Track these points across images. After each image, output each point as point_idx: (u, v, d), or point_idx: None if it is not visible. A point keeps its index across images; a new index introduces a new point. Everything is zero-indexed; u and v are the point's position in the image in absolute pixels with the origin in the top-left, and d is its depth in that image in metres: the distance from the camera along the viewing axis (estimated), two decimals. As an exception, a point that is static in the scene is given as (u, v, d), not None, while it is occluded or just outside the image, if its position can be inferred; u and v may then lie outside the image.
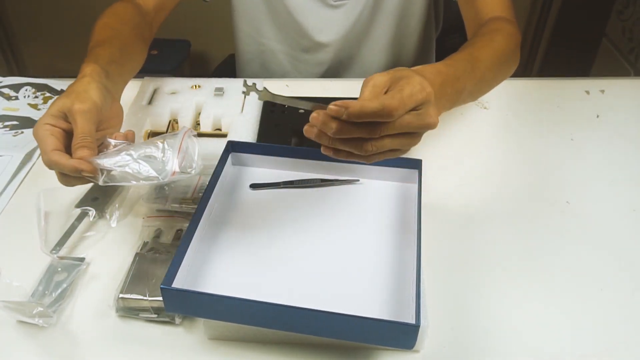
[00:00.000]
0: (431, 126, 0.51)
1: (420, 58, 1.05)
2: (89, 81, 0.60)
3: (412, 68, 0.54)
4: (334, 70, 1.03)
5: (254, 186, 0.67)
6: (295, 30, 0.98)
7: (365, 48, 1.00)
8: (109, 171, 0.54)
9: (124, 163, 0.55)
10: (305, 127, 0.51)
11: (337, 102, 0.47)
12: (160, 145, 0.57)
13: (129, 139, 0.59)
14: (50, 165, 0.55)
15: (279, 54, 1.03)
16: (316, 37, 0.98)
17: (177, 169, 0.55)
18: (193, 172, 0.56)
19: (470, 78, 0.62)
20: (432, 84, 0.52)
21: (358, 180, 0.67)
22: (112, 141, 0.58)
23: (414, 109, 0.50)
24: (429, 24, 1.02)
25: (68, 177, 0.56)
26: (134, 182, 0.55)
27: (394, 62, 1.03)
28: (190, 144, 0.58)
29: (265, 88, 0.54)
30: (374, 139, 0.49)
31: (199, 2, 1.08)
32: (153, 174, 0.55)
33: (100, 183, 0.54)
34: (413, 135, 0.51)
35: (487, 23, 0.75)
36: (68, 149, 0.56)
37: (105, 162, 0.54)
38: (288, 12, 0.95)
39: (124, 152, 0.56)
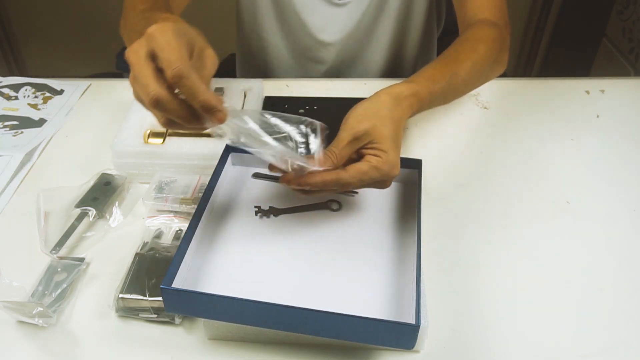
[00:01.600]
0: (384, 187, 0.59)
1: (421, 57, 1.05)
2: (176, 18, 0.52)
3: (395, 94, 0.60)
4: (337, 69, 1.03)
5: (257, 175, 0.68)
6: (298, 28, 0.98)
7: (368, 47, 1.01)
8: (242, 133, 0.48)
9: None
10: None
11: (296, 178, 0.54)
12: (303, 129, 0.52)
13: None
14: (180, 79, 0.43)
15: (282, 50, 1.03)
16: (319, 36, 0.98)
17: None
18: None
19: (444, 95, 0.69)
20: (404, 118, 0.59)
21: (357, 193, 0.67)
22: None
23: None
24: (431, 23, 1.02)
25: (173, 122, 0.47)
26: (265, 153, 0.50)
27: (396, 61, 1.03)
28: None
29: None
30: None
31: (199, 2, 1.08)
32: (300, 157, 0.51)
33: (228, 141, 0.48)
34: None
35: (473, 27, 0.76)
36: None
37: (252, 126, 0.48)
38: (293, 9, 0.95)
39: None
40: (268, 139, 0.50)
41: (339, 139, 0.56)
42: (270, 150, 0.50)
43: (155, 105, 0.45)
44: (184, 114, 0.46)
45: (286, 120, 0.52)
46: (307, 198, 0.60)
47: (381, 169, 0.55)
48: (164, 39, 0.44)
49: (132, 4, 0.70)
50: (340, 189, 0.55)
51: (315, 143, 0.53)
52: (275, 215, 0.63)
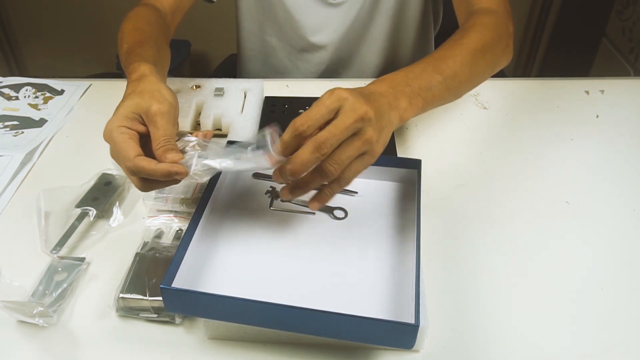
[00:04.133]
0: (368, 143, 0.51)
1: (418, 56, 1.05)
2: (155, 81, 0.58)
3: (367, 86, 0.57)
4: (333, 69, 1.03)
5: (257, 175, 0.68)
6: (293, 30, 0.99)
7: (363, 47, 1.01)
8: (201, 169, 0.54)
9: (217, 162, 0.54)
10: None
11: (277, 169, 0.52)
12: (249, 147, 0.55)
13: (208, 137, 0.58)
14: (136, 171, 0.53)
15: (280, 51, 1.03)
16: (312, 39, 0.98)
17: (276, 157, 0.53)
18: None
19: (436, 73, 0.62)
20: (378, 90, 0.55)
21: (357, 192, 0.67)
22: (195, 139, 0.57)
23: (354, 134, 0.51)
24: (426, 22, 1.02)
25: (149, 182, 0.55)
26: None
27: (392, 60, 1.03)
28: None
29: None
30: (329, 183, 0.53)
31: (199, 2, 1.08)
32: (251, 164, 0.54)
33: (197, 180, 0.54)
34: (363, 156, 0.52)
35: (469, 17, 0.74)
36: (143, 152, 0.54)
37: (209, 162, 0.53)
38: (287, 11, 0.96)
39: (211, 154, 0.55)
40: (232, 161, 0.54)
41: (308, 110, 0.52)
42: (240, 165, 0.55)
43: (144, 190, 0.57)
44: (164, 185, 0.57)
45: (244, 145, 0.56)
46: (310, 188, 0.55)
47: (357, 111, 0.50)
48: (112, 143, 0.54)
49: (121, 38, 0.71)
50: (322, 155, 0.50)
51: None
52: (283, 200, 0.63)
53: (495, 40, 0.70)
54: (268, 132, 0.53)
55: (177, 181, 0.55)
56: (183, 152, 0.55)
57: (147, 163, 0.52)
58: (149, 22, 0.74)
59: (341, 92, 0.51)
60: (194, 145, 0.56)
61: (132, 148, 0.53)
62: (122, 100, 0.57)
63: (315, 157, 0.50)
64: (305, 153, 0.50)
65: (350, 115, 0.50)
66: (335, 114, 0.51)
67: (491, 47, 0.69)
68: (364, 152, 0.52)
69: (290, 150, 0.52)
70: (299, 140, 0.51)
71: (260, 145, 0.53)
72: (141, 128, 0.55)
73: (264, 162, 0.53)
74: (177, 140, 0.56)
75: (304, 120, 0.50)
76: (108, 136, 0.54)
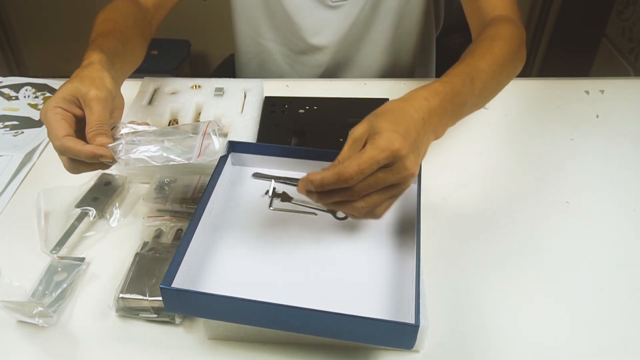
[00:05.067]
0: (409, 177, 0.51)
1: (419, 58, 1.05)
2: (100, 69, 0.59)
3: (405, 96, 0.56)
4: (332, 72, 1.03)
5: (257, 175, 0.68)
6: (292, 32, 0.98)
7: (363, 49, 1.00)
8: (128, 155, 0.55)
9: (145, 149, 0.56)
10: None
11: (303, 178, 0.52)
12: (183, 132, 0.58)
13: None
14: (62, 150, 0.54)
15: (276, 54, 1.03)
16: (311, 40, 0.98)
17: (201, 152, 0.56)
18: (216, 155, 0.58)
19: (472, 90, 0.62)
20: (423, 110, 0.54)
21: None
22: (130, 126, 0.58)
23: (386, 166, 0.50)
24: (428, 23, 1.02)
25: (77, 163, 0.56)
26: (155, 163, 0.56)
27: (393, 62, 1.03)
28: (213, 129, 0.59)
29: None
30: (357, 199, 0.51)
31: (199, 2, 1.08)
32: (177, 158, 0.56)
33: (122, 165, 0.55)
34: (396, 186, 0.52)
35: (489, 25, 0.73)
36: (77, 135, 0.55)
37: (137, 147, 0.55)
38: (285, 13, 0.95)
39: (143, 140, 0.57)
40: (159, 148, 0.57)
41: (342, 153, 0.53)
42: (166, 154, 0.57)
43: (71, 171, 0.57)
44: (90, 167, 0.57)
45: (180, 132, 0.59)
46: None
47: (390, 147, 0.49)
48: (46, 122, 0.55)
49: (93, 28, 0.71)
50: (343, 185, 0.50)
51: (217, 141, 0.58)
52: (283, 200, 0.64)
53: (516, 50, 0.71)
54: (203, 124, 0.56)
55: (104, 165, 0.56)
56: (115, 138, 0.56)
57: (74, 143, 0.53)
58: (123, 15, 0.74)
59: (397, 145, 0.50)
60: (127, 133, 0.58)
61: (62, 128, 0.54)
62: (64, 84, 0.58)
63: (339, 184, 0.50)
64: (326, 179, 0.50)
65: (383, 152, 0.50)
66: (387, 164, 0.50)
67: (514, 57, 0.70)
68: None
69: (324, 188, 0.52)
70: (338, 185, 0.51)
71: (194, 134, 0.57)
72: (78, 111, 0.56)
73: (192, 156, 0.56)
74: (113, 129, 0.58)
75: (354, 174, 0.49)
76: (43, 116, 0.55)
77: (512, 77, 0.73)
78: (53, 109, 0.55)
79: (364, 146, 0.51)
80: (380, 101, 0.86)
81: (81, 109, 0.56)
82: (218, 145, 0.58)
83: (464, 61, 0.65)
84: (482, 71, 0.64)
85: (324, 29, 0.96)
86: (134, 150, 0.56)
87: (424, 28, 1.00)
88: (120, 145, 0.55)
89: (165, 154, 0.56)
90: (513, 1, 0.78)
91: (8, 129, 0.85)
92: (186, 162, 0.56)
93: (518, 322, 0.57)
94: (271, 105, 0.86)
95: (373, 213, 0.53)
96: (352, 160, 0.49)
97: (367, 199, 0.51)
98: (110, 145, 0.54)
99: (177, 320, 0.56)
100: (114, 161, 0.55)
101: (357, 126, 0.53)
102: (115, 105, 0.60)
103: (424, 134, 0.54)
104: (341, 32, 0.96)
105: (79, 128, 0.56)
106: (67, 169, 0.57)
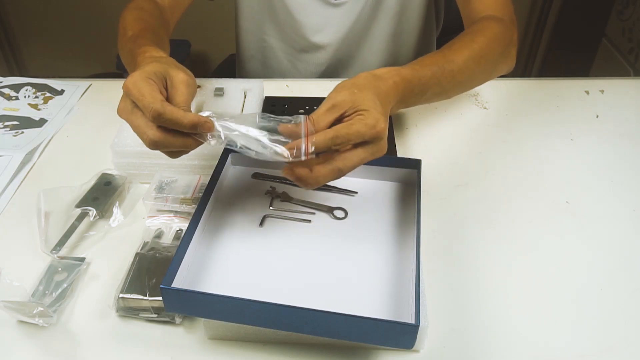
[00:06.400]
0: (380, 155, 0.54)
1: (419, 57, 1.05)
2: (176, 62, 0.57)
3: (375, 73, 0.57)
4: (333, 70, 1.03)
5: (257, 175, 0.68)
6: (294, 30, 0.98)
7: (364, 47, 1.01)
8: (229, 135, 0.51)
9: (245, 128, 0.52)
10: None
11: (290, 145, 0.51)
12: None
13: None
14: (161, 114, 0.49)
15: (278, 51, 1.03)
16: (313, 39, 0.98)
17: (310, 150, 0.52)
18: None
19: (438, 81, 0.64)
20: (391, 95, 0.56)
21: (357, 193, 0.67)
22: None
23: (364, 142, 0.52)
24: (428, 22, 1.02)
25: (166, 137, 0.51)
26: (253, 154, 0.52)
27: (393, 60, 1.03)
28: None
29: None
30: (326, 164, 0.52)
31: (199, 2, 1.08)
32: (281, 150, 0.52)
33: (217, 144, 0.52)
34: (362, 159, 0.53)
35: (476, 22, 0.74)
36: None
37: (233, 126, 0.51)
38: (288, 11, 0.96)
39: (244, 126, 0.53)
40: (257, 134, 0.53)
41: (318, 109, 0.54)
42: (257, 143, 0.53)
43: (154, 146, 0.52)
44: (180, 142, 0.52)
45: (272, 120, 0.55)
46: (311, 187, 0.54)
47: (376, 127, 0.51)
48: (137, 90, 0.51)
49: (124, 27, 0.71)
50: (333, 147, 0.51)
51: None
52: (283, 200, 0.64)
53: (499, 48, 0.72)
54: (303, 118, 0.53)
55: (189, 146, 0.52)
56: None
57: (175, 109, 0.50)
58: (151, 15, 0.74)
59: (382, 125, 0.52)
60: (209, 115, 0.53)
61: (160, 94, 0.51)
62: (145, 65, 0.54)
63: (328, 150, 0.52)
64: (319, 143, 0.51)
65: (368, 125, 0.51)
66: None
67: (494, 54, 0.71)
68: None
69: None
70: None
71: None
72: (163, 90, 0.53)
73: (281, 150, 0.52)
74: None
75: (344, 140, 0.51)
76: (132, 85, 0.51)
77: (492, 74, 0.74)
78: (145, 79, 0.51)
79: (341, 115, 0.53)
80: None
81: (165, 89, 0.54)
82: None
83: (440, 52, 0.67)
84: (455, 63, 0.66)
85: (326, 27, 0.97)
86: (233, 131, 0.52)
87: (424, 26, 1.00)
88: (215, 122, 0.51)
89: (257, 142, 0.52)
90: (506, 3, 0.78)
91: (8, 129, 0.85)
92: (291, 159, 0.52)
93: (518, 322, 0.57)
94: (271, 105, 0.86)
95: (329, 178, 0.53)
96: (341, 128, 0.51)
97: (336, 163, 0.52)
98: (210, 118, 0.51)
99: (177, 320, 0.56)
100: (209, 138, 0.51)
101: (338, 92, 0.54)
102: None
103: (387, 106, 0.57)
104: (343, 31, 0.97)
105: None
106: (150, 144, 0.51)
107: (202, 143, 0.53)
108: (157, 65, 0.54)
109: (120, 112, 0.53)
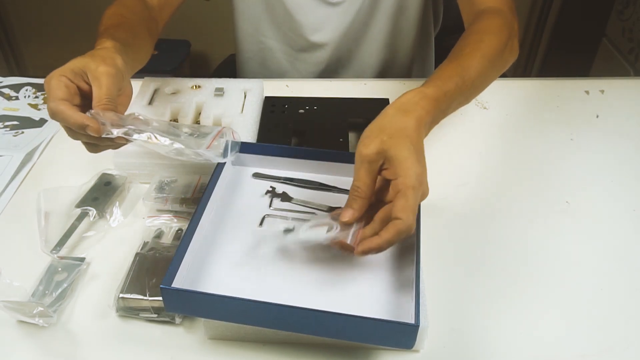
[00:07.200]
0: (425, 196, 0.54)
1: (417, 56, 1.05)
2: (113, 51, 0.59)
3: (402, 106, 0.55)
4: (332, 69, 1.03)
5: (257, 175, 0.68)
6: (292, 29, 0.99)
7: (362, 46, 1.01)
8: (125, 134, 0.55)
9: (142, 132, 0.56)
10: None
11: (362, 250, 0.50)
12: (193, 129, 0.59)
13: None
14: (54, 112, 0.53)
15: (277, 52, 1.03)
16: (312, 38, 0.98)
17: (211, 144, 0.56)
18: (223, 157, 0.59)
19: (461, 92, 0.63)
20: (421, 127, 0.55)
21: None
22: (139, 116, 0.58)
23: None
24: (426, 21, 1.02)
25: (75, 133, 0.55)
26: (153, 147, 0.56)
27: (392, 59, 1.03)
28: (228, 135, 0.61)
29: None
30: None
31: (199, 2, 1.08)
32: (179, 145, 0.56)
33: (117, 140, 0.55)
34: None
35: (478, 17, 0.73)
36: (81, 110, 0.55)
37: (124, 130, 0.55)
38: (286, 10, 0.96)
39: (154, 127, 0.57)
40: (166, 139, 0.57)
41: (357, 170, 0.53)
42: (170, 147, 0.57)
43: (52, 116, 0.55)
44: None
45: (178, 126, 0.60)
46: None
47: (414, 186, 0.50)
48: (47, 87, 0.55)
49: (101, 22, 0.71)
50: (408, 235, 0.50)
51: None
52: (283, 200, 0.64)
53: (505, 43, 0.71)
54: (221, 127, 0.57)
55: (111, 144, 0.56)
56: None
57: (66, 107, 0.53)
58: (131, 11, 0.74)
59: (421, 174, 0.52)
60: (137, 117, 0.58)
61: (62, 93, 0.54)
62: (73, 59, 0.57)
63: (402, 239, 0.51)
64: (392, 240, 0.50)
65: (417, 186, 0.51)
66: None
67: (503, 51, 0.70)
68: None
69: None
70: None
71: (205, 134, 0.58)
72: (83, 85, 0.56)
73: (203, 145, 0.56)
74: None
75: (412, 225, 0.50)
76: (47, 82, 0.55)
77: (501, 70, 0.73)
78: (58, 77, 0.55)
79: (380, 169, 0.52)
80: (380, 101, 0.86)
81: (88, 84, 0.56)
82: (227, 148, 0.60)
83: (454, 60, 0.66)
84: (472, 70, 0.64)
85: (324, 26, 0.97)
86: (142, 133, 0.55)
87: (422, 25, 1.01)
88: (125, 127, 0.55)
89: (173, 142, 0.56)
90: None
91: (8, 129, 0.85)
92: (193, 152, 0.56)
93: (518, 322, 0.57)
94: (271, 105, 0.86)
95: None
96: (400, 208, 0.50)
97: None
98: (113, 122, 0.54)
99: (177, 320, 0.56)
100: (99, 134, 0.54)
101: (367, 145, 0.52)
102: (123, 90, 0.60)
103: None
104: (341, 29, 0.97)
105: (84, 104, 0.56)
106: (69, 135, 0.56)
107: (98, 137, 0.55)
108: (76, 62, 0.56)
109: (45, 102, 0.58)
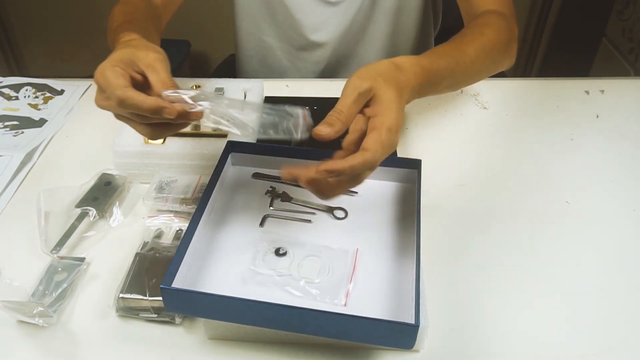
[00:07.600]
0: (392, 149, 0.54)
1: (417, 55, 1.05)
2: (147, 41, 0.58)
3: (396, 63, 0.57)
4: (332, 69, 1.04)
5: (257, 175, 0.68)
6: (292, 29, 0.99)
7: (362, 46, 1.01)
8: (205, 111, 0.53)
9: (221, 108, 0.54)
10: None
11: (325, 168, 0.50)
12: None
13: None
14: (124, 100, 0.51)
15: (277, 50, 1.04)
16: (312, 37, 0.98)
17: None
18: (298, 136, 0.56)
19: (452, 73, 0.64)
20: (409, 87, 0.56)
21: (357, 193, 0.66)
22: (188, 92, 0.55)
23: None
24: (426, 21, 1.02)
25: (140, 118, 0.54)
26: (234, 129, 0.54)
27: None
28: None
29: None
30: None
31: (199, 2, 1.08)
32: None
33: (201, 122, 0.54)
34: None
35: (480, 16, 0.75)
36: None
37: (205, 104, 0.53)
38: (286, 10, 0.96)
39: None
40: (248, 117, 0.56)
41: (345, 96, 0.53)
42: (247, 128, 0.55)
43: (120, 104, 0.52)
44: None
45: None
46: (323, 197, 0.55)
47: (390, 127, 0.51)
48: (104, 79, 0.52)
49: (111, 21, 0.71)
50: (370, 170, 0.52)
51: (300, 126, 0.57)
52: (283, 200, 0.64)
53: (505, 43, 0.72)
54: (300, 112, 0.54)
55: (173, 127, 0.55)
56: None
57: (136, 93, 0.51)
58: (138, 9, 0.74)
59: (396, 137, 0.52)
60: (196, 94, 0.55)
61: (124, 80, 0.52)
62: (114, 52, 0.55)
63: (362, 174, 0.53)
64: (356, 166, 0.50)
65: (393, 131, 0.52)
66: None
67: (500, 48, 0.71)
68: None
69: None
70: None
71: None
72: (136, 75, 0.54)
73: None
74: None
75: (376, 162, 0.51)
76: (100, 74, 0.53)
77: (497, 69, 0.74)
78: (111, 67, 0.52)
79: (365, 104, 0.53)
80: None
81: (138, 73, 0.54)
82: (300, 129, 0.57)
83: (453, 43, 0.67)
84: (468, 56, 0.66)
85: (324, 25, 0.97)
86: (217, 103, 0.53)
87: (421, 25, 1.01)
88: (200, 101, 0.53)
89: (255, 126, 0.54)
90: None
91: (8, 129, 0.85)
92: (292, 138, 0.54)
93: (518, 322, 0.57)
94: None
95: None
96: (372, 141, 0.50)
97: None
98: (190, 97, 0.52)
99: (177, 320, 0.56)
100: (174, 115, 0.52)
101: (364, 79, 0.53)
102: None
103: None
104: (341, 29, 0.97)
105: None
106: (148, 133, 0.55)
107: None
108: (123, 52, 0.55)
109: (97, 102, 0.55)
